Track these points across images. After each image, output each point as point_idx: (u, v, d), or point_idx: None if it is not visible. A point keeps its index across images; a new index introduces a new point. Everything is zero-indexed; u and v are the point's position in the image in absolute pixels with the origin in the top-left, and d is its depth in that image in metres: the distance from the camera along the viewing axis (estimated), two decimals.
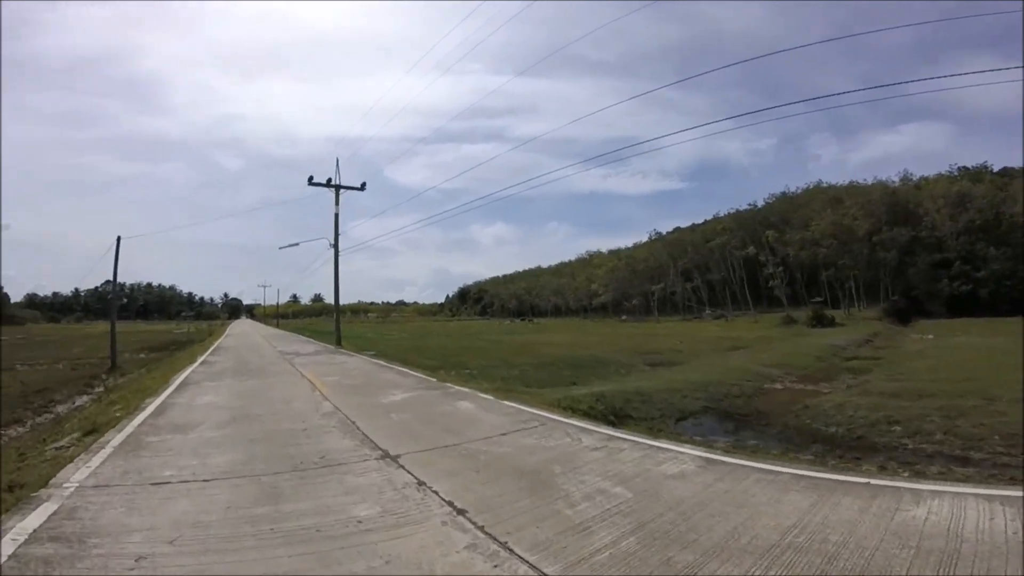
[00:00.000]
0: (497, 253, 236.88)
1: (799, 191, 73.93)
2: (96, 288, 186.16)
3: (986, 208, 53.11)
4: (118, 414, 7.05)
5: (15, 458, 6.03)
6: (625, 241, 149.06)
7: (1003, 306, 47.72)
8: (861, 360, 21.21)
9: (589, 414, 9.31)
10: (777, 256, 59.71)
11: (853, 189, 64.35)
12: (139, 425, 6.30)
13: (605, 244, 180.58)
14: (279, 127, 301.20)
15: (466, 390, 9.47)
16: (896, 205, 59.37)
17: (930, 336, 32.52)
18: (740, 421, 10.90)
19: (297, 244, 25.22)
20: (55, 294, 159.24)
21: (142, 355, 29.51)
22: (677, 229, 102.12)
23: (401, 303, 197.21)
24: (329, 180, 23.86)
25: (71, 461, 4.96)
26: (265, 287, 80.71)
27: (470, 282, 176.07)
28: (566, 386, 14.73)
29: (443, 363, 18.57)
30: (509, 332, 50.03)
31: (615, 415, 10.29)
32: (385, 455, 5.00)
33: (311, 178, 23.43)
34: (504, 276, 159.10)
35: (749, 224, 76.75)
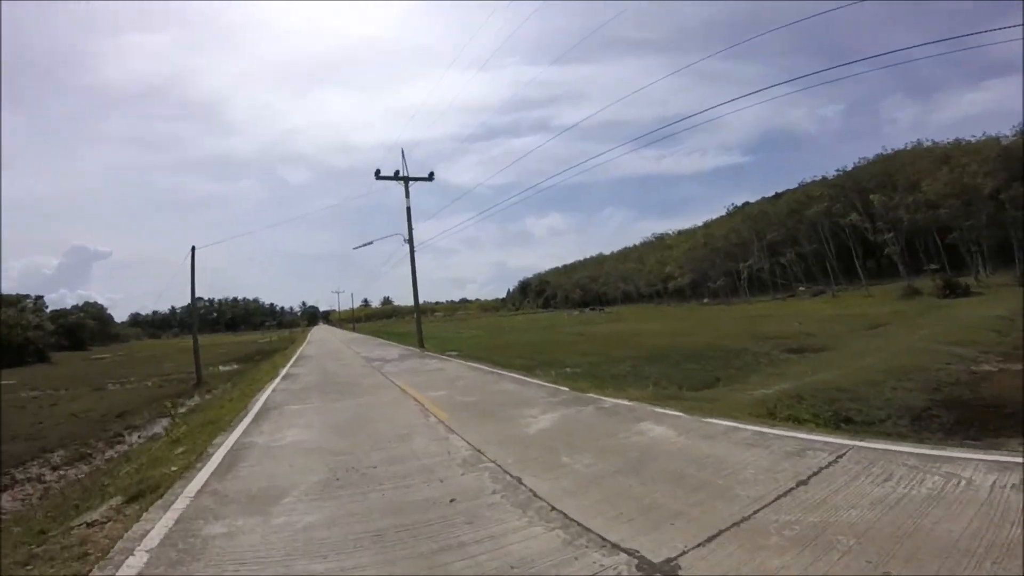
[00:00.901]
0: (554, 244, 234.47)
1: (894, 152, 65.12)
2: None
3: None
4: (175, 467, 4.96)
5: (31, 538, 4.04)
6: (685, 222, 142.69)
7: None
8: None
9: (815, 422, 6.71)
10: (885, 222, 52.48)
11: (961, 147, 55.52)
12: (197, 494, 4.12)
13: (664, 226, 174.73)
14: (335, 137, 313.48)
15: (628, 403, 6.82)
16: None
17: None
18: (988, 416, 8.20)
19: (371, 243, 23.75)
20: (154, 312, 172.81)
21: (231, 366, 29.42)
22: (748, 203, 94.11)
23: (464, 300, 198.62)
24: (397, 172, 22.03)
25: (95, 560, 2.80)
26: (339, 293, 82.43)
27: (529, 275, 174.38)
28: (711, 385, 11.84)
29: (539, 361, 16.40)
30: (585, 323, 46.93)
31: (842, 420, 7.59)
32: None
33: (378, 171, 21.66)
34: (564, 266, 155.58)
35: (839, 190, 69.43)
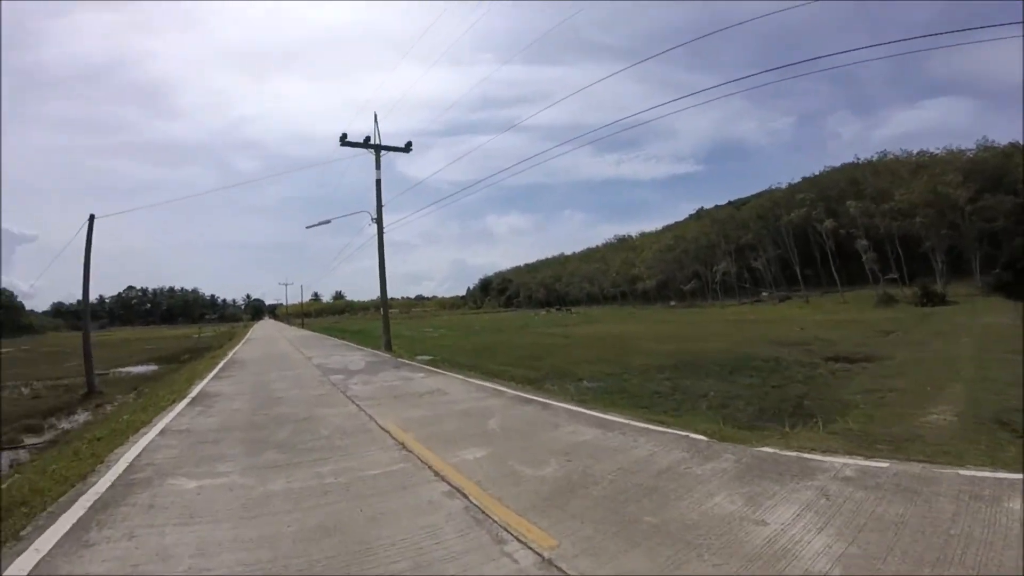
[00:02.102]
0: (514, 243, 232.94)
1: (864, 162, 65.94)
2: (120, 294, 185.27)
3: None
4: None
5: None
6: (641, 226, 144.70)
7: None
8: None
9: None
10: (860, 229, 52.48)
11: (924, 159, 56.62)
12: None
13: (621, 229, 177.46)
14: (291, 127, 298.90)
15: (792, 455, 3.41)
16: (993, 171, 51.80)
17: None
18: None
19: (329, 221, 19.47)
20: (78, 302, 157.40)
21: (148, 368, 24.28)
22: (717, 206, 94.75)
23: (421, 297, 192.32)
24: (367, 139, 17.99)
25: None
26: (287, 285, 75.26)
27: (489, 273, 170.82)
28: (801, 408, 8.76)
29: (543, 372, 13.19)
30: (559, 324, 43.72)
31: None
32: None
33: (344, 136, 17.56)
34: (527, 265, 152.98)
35: (818, 196, 69.66)
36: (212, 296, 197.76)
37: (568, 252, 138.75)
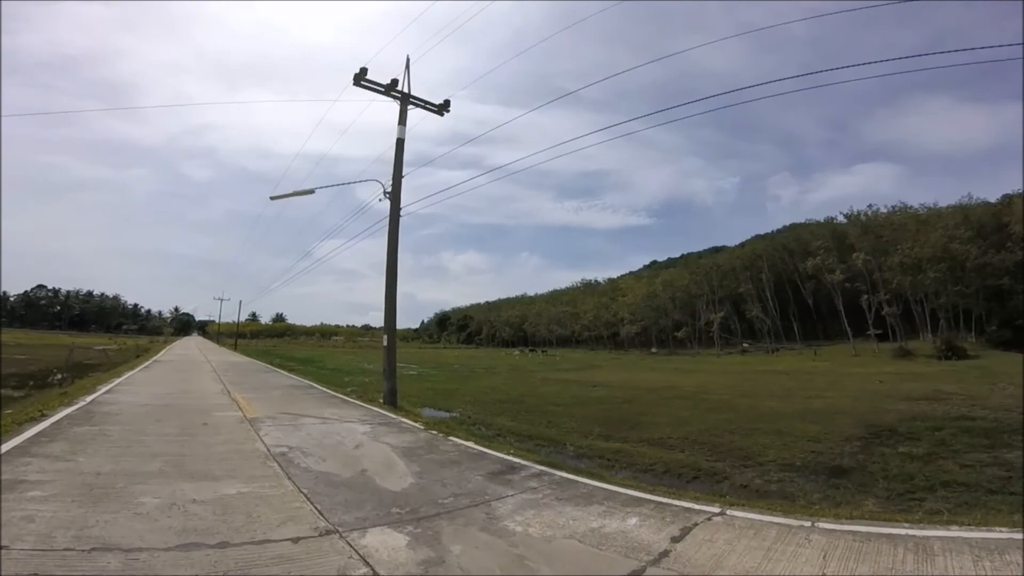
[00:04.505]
0: (468, 281, 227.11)
1: (855, 215, 65.11)
2: (26, 292, 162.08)
3: None
4: None
5: None
6: (594, 274, 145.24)
7: None
8: None
9: None
10: (866, 282, 50.14)
11: (928, 213, 56.01)
12: None
13: (575, 276, 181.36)
14: (256, 140, 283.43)
15: None
16: (998, 227, 51.02)
17: None
18: None
19: (294, 194, 12.27)
20: None
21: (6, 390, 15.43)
22: (697, 253, 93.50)
23: (368, 327, 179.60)
24: (395, 82, 11.18)
25: None
26: (222, 300, 63.37)
27: (439, 309, 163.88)
28: None
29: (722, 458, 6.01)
30: (556, 368, 36.68)
31: None
32: None
33: (363, 72, 10.72)
34: (488, 303, 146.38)
35: (776, 251, 69.70)
36: (135, 305, 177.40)
37: (526, 294, 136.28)
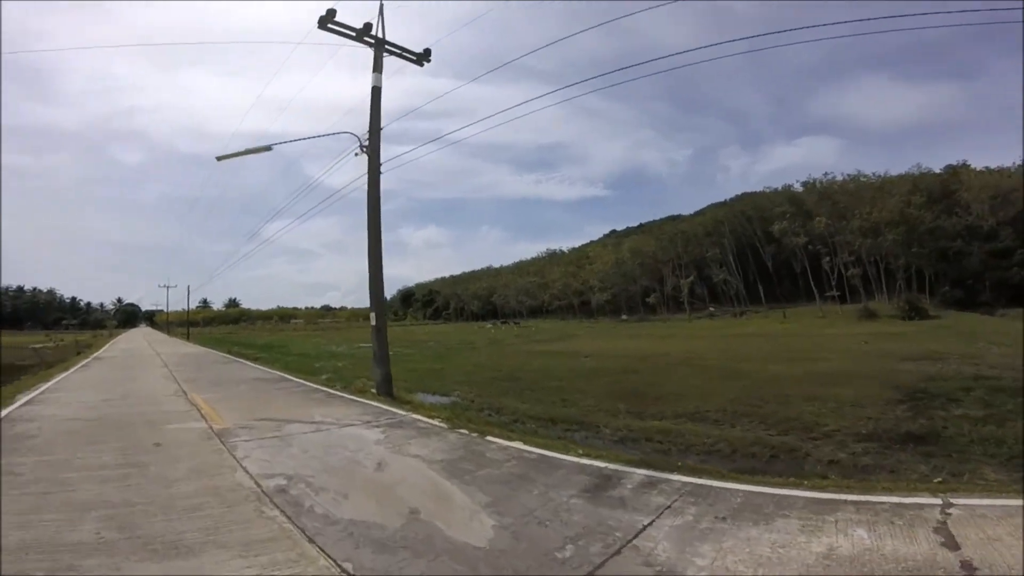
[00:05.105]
0: (428, 256, 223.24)
1: (815, 181, 66.60)
2: None
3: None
4: None
5: None
6: (554, 245, 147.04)
7: None
8: None
9: None
10: (826, 245, 51.48)
11: (881, 180, 57.86)
12: None
13: (535, 248, 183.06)
14: (189, 121, 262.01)
15: None
16: (945, 195, 53.32)
17: None
18: None
19: (247, 152, 10.30)
20: None
21: None
22: (663, 220, 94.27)
23: (328, 308, 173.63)
24: (368, 26, 9.25)
25: None
26: (168, 287, 57.97)
27: (401, 285, 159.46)
28: None
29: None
30: (536, 340, 35.60)
31: None
32: None
33: (331, 13, 8.76)
34: (453, 277, 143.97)
35: (736, 218, 70.97)
36: (73, 299, 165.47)
37: (491, 266, 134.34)
